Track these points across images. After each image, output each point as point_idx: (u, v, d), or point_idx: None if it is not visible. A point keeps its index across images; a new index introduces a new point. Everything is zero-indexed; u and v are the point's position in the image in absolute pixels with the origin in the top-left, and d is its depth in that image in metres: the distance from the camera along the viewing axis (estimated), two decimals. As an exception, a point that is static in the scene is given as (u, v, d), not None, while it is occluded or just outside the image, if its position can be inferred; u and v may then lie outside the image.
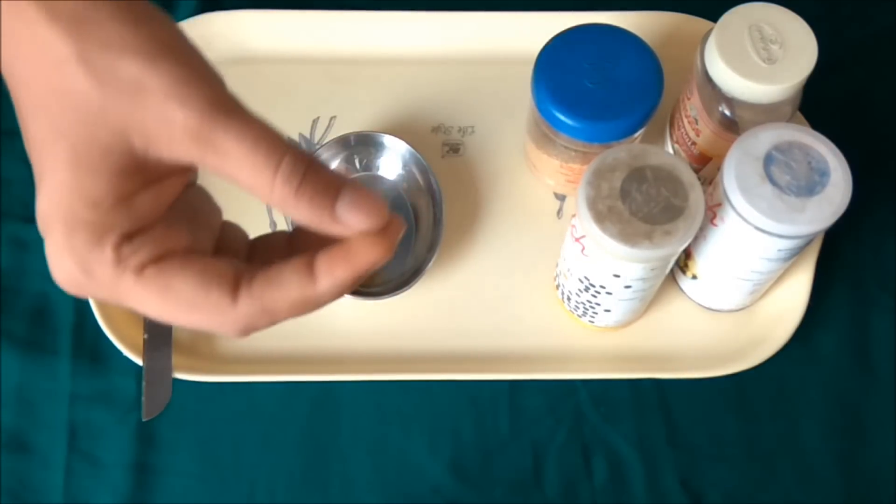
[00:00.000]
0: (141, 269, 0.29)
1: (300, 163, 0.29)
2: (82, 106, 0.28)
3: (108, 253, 0.28)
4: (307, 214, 0.29)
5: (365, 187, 0.30)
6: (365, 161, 0.54)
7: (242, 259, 0.34)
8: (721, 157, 0.43)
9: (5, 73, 0.30)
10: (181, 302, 0.29)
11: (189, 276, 0.29)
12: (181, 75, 0.28)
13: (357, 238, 0.30)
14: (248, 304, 0.30)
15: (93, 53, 0.27)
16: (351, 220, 0.29)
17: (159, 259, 0.29)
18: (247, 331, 0.31)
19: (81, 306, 0.51)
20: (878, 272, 0.54)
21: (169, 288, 0.29)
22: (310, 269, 0.30)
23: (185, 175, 0.31)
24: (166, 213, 0.30)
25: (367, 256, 0.30)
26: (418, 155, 0.53)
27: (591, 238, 0.42)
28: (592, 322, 0.50)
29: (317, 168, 0.29)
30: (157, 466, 0.49)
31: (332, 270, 0.30)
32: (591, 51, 0.47)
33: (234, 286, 0.30)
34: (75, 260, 0.28)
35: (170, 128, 0.28)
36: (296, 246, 0.34)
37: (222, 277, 0.30)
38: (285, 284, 0.30)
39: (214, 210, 0.34)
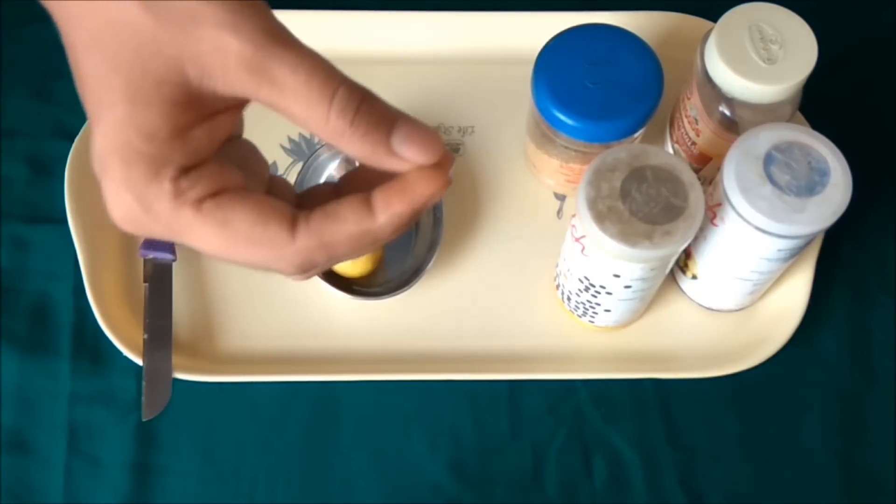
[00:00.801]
0: (199, 203, 0.29)
1: (355, 94, 0.29)
2: (137, 39, 0.28)
3: (166, 186, 0.28)
4: (361, 147, 0.29)
5: (421, 122, 0.30)
6: (365, 161, 0.54)
7: None
8: (721, 157, 0.43)
9: (56, 15, 0.29)
10: (240, 236, 0.29)
11: (247, 210, 0.29)
12: (234, 5, 0.28)
13: (413, 172, 0.30)
14: (306, 238, 0.30)
15: None
16: (407, 152, 0.29)
17: (216, 194, 0.29)
18: (304, 267, 0.30)
19: (81, 306, 0.51)
20: (879, 272, 0.54)
21: (228, 222, 0.29)
22: (367, 203, 0.30)
23: (236, 113, 0.31)
24: (219, 155, 0.30)
25: (424, 189, 0.30)
26: (418, 155, 0.53)
27: (591, 238, 0.42)
28: (592, 322, 0.50)
29: (372, 100, 0.29)
30: (157, 466, 0.49)
31: (389, 204, 0.30)
32: (591, 51, 0.47)
33: (293, 221, 0.30)
34: (133, 194, 0.28)
35: (224, 58, 0.28)
36: (343, 195, 0.33)
37: (280, 213, 0.30)
38: (343, 219, 0.30)
39: (263, 161, 0.33)
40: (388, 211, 0.30)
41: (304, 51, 0.29)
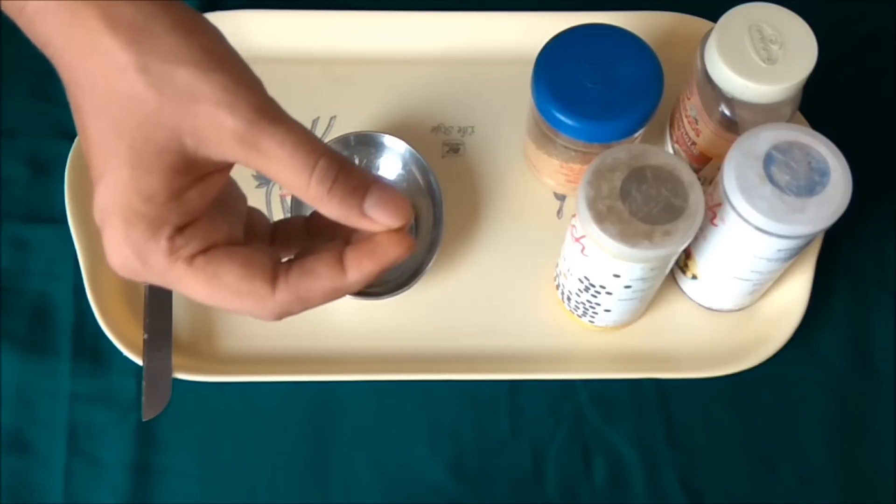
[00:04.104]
0: (191, 259, 0.32)
1: (333, 165, 0.32)
2: (141, 110, 0.30)
3: (162, 244, 0.31)
4: (338, 211, 0.32)
5: (392, 187, 0.33)
6: (365, 161, 0.54)
7: (266, 241, 0.37)
8: (721, 157, 0.43)
9: (66, 77, 0.32)
10: (227, 290, 0.32)
11: (234, 266, 0.32)
12: (230, 84, 0.30)
13: (383, 235, 0.33)
14: (285, 293, 0.33)
15: (151, 62, 0.30)
16: (377, 216, 0.33)
17: (206, 250, 0.32)
18: (281, 316, 0.34)
19: (81, 306, 0.51)
20: (879, 272, 0.54)
21: (216, 277, 0.32)
22: (340, 263, 0.33)
23: (227, 171, 0.34)
24: (209, 207, 0.33)
25: (392, 252, 0.33)
26: (418, 155, 0.53)
27: (590, 238, 0.42)
28: (592, 322, 0.50)
29: (348, 170, 0.32)
30: (157, 466, 0.49)
31: (360, 265, 0.33)
32: (591, 51, 0.47)
33: (274, 276, 0.33)
34: (132, 249, 0.31)
35: (219, 131, 0.30)
36: (313, 228, 0.37)
37: (264, 268, 0.33)
38: (319, 276, 0.33)
39: (241, 197, 0.37)
40: (359, 270, 0.33)
41: (290, 125, 0.31)
